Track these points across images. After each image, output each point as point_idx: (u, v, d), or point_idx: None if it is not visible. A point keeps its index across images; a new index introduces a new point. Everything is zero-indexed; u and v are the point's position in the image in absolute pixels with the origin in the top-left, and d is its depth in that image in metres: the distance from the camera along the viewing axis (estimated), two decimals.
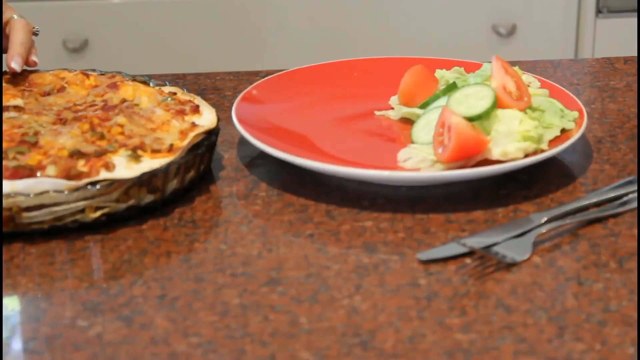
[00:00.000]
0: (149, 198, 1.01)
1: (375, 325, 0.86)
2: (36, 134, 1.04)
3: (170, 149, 1.03)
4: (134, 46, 2.32)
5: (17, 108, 1.11)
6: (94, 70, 1.20)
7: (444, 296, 0.89)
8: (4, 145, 1.02)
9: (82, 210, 0.98)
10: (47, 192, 0.97)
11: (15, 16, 1.20)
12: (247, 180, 1.09)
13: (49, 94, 1.16)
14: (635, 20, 2.32)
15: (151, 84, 1.18)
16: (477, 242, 0.96)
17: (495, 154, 1.05)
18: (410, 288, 0.91)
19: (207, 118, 1.10)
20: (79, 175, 0.98)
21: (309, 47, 2.34)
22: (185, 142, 1.04)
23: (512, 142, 1.05)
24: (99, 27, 2.31)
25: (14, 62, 1.16)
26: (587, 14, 2.36)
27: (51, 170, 0.98)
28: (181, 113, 1.10)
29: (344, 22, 2.34)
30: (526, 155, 1.06)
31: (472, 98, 1.09)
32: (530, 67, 1.36)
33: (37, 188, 0.97)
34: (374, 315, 0.87)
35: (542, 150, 1.07)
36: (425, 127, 1.11)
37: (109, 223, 1.00)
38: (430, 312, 0.87)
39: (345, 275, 0.93)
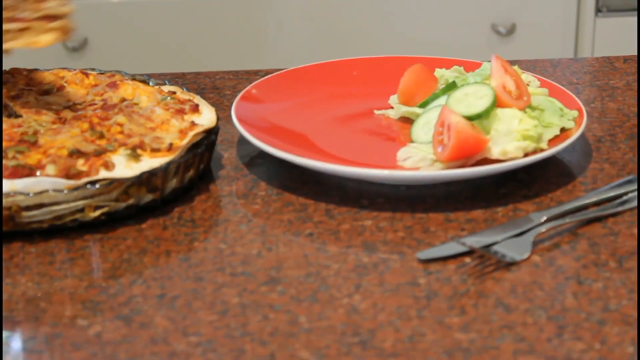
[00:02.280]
0: (148, 197, 1.01)
1: (374, 324, 0.86)
2: (35, 133, 1.04)
3: (170, 148, 1.03)
4: (133, 45, 2.32)
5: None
6: (93, 69, 1.20)
7: (443, 295, 0.89)
8: (4, 144, 1.02)
9: (82, 210, 0.98)
10: (46, 191, 0.97)
11: None
12: (247, 180, 1.09)
13: (48, 93, 1.16)
14: (635, 19, 2.32)
15: (151, 83, 1.18)
16: (476, 241, 0.96)
17: (494, 153, 1.05)
18: (410, 287, 0.91)
19: (206, 117, 1.10)
20: (78, 175, 0.98)
21: (308, 46, 2.34)
22: (185, 141, 1.04)
23: (511, 141, 1.05)
24: (98, 26, 2.30)
25: None
26: (587, 13, 2.36)
27: (50, 169, 0.98)
28: (181, 112, 1.10)
29: (344, 22, 2.34)
30: (526, 155, 1.06)
31: (472, 97, 1.09)
32: (529, 66, 1.36)
33: (37, 187, 0.97)
34: (373, 314, 0.87)
35: (542, 150, 1.07)
36: (424, 126, 1.11)
37: (109, 222, 1.00)
38: (430, 311, 0.87)
39: (345, 274, 0.93)
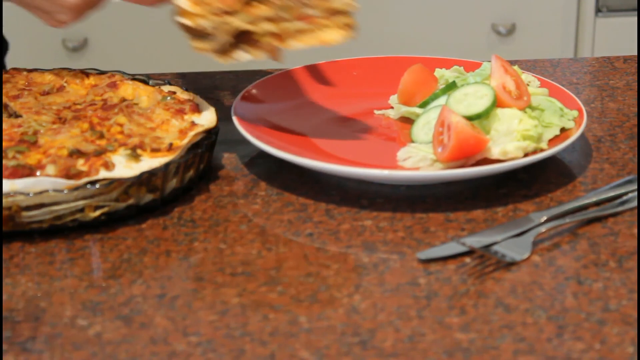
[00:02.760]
0: (148, 197, 1.01)
1: (374, 324, 0.86)
2: (35, 133, 1.04)
3: (170, 148, 1.03)
4: (133, 45, 2.32)
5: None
6: (93, 69, 1.20)
7: (443, 295, 0.89)
8: (4, 144, 1.02)
9: (82, 210, 0.98)
10: (46, 191, 0.97)
11: None
12: (247, 180, 1.09)
13: (48, 93, 1.16)
14: (635, 19, 2.32)
15: (150, 83, 1.18)
16: (476, 241, 0.96)
17: (494, 153, 1.05)
18: (410, 287, 0.91)
19: (206, 117, 1.10)
20: (78, 175, 0.99)
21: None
22: (185, 141, 1.04)
23: (511, 141, 1.05)
24: (98, 26, 2.30)
25: None
26: (587, 13, 2.36)
27: (50, 169, 0.98)
28: (181, 112, 1.10)
29: None
30: (526, 155, 1.05)
31: (472, 97, 1.09)
32: (529, 66, 1.36)
33: (37, 187, 0.97)
34: (373, 314, 0.87)
35: (542, 150, 1.07)
36: (424, 126, 1.11)
37: (109, 222, 1.00)
38: (430, 311, 0.87)
39: (345, 274, 0.93)
